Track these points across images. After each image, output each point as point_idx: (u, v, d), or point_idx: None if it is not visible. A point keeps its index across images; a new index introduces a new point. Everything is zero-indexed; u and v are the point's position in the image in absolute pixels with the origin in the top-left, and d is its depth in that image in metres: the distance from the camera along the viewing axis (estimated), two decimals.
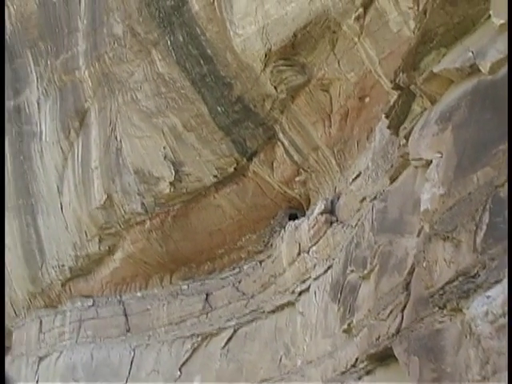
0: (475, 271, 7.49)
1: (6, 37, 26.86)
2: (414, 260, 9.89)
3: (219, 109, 18.21)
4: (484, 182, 7.69)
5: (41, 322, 26.70)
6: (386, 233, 11.78)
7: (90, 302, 25.29)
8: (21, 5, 25.58)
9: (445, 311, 8.37)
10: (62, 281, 25.44)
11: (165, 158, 20.18)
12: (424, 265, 8.95)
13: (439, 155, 9.08)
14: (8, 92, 26.79)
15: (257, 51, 15.76)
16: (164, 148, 20.10)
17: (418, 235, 10.00)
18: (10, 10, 26.46)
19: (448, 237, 8.17)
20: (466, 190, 8.01)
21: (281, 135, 17.94)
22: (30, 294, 26.74)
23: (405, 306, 10.26)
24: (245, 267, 21.75)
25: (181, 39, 17.86)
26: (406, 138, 11.28)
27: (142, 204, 21.50)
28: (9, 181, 26.53)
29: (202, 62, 17.68)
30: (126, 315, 24.57)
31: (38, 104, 25.35)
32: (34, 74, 25.42)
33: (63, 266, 24.97)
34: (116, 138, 21.47)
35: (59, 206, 24.67)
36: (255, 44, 15.68)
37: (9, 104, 26.58)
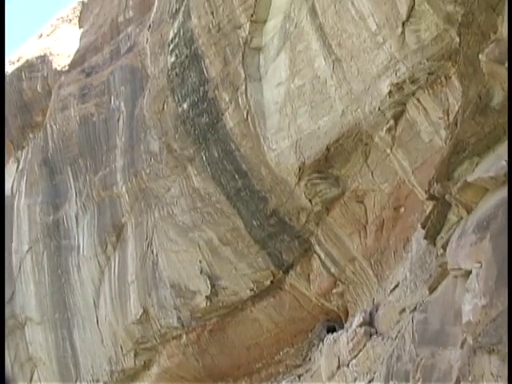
0: None
1: (48, 154, 27.80)
2: (459, 374, 9.54)
3: (255, 222, 18.34)
4: None
5: None
6: (427, 345, 11.42)
7: None
8: (63, 124, 26.65)
9: None
10: None
11: (201, 271, 20.18)
12: (470, 379, 8.64)
13: (478, 265, 8.96)
14: (48, 207, 27.39)
15: (291, 165, 16.02)
16: (200, 262, 20.15)
17: (462, 347, 9.68)
18: (52, 128, 27.53)
19: (493, 349, 7.93)
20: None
21: (317, 247, 17.88)
22: None
23: None
24: (283, 382, 21.13)
25: (216, 155, 18.28)
26: (444, 247, 11.19)
27: (179, 318, 21.32)
28: (46, 294, 26.67)
29: (236, 176, 18.00)
30: None
31: (77, 219, 25.84)
32: (74, 189, 26.08)
33: (98, 381, 24.60)
34: (152, 252, 21.63)
35: (95, 319, 24.61)
36: (289, 158, 15.96)
37: (48, 219, 27.11)
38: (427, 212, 12.66)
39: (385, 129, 13.78)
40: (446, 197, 10.96)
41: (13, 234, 29.83)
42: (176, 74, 19.00)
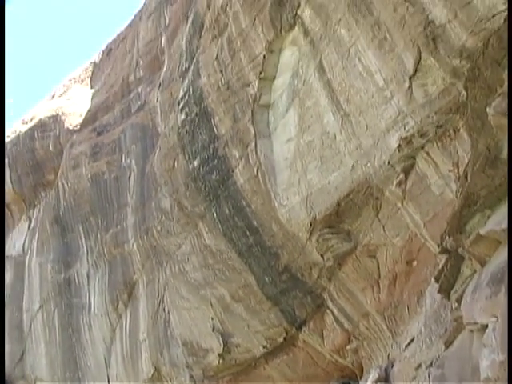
0: None
1: (60, 212, 27.96)
2: None
3: (267, 279, 18.23)
4: None
5: None
6: None
7: None
8: (74, 182, 26.88)
9: None
10: None
11: (213, 329, 20.02)
12: None
13: (495, 319, 8.86)
14: (59, 265, 27.42)
15: (302, 221, 16.02)
16: (212, 319, 20.00)
17: None
18: (64, 187, 27.76)
19: None
20: None
21: (330, 303, 17.71)
22: None
23: None
24: None
25: (227, 211, 18.32)
26: (458, 301, 11.09)
27: (191, 377, 21.07)
28: (57, 353, 26.50)
29: (248, 233, 17.99)
30: None
31: (88, 276, 25.83)
32: (85, 247, 26.15)
33: None
34: (164, 309, 21.52)
35: (106, 378, 24.39)
36: (300, 214, 15.97)
37: (59, 277, 27.11)
38: (440, 265, 12.59)
39: (395, 183, 13.78)
40: (459, 250, 10.93)
41: (24, 292, 29.81)
42: (186, 132, 19.22)
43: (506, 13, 9.81)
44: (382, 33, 12.57)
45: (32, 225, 32.29)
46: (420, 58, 11.85)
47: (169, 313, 21.31)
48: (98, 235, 25.29)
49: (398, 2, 11.88)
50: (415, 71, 12.05)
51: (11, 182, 33.97)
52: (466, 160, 11.90)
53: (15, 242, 33.81)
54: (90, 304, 25.40)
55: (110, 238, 24.32)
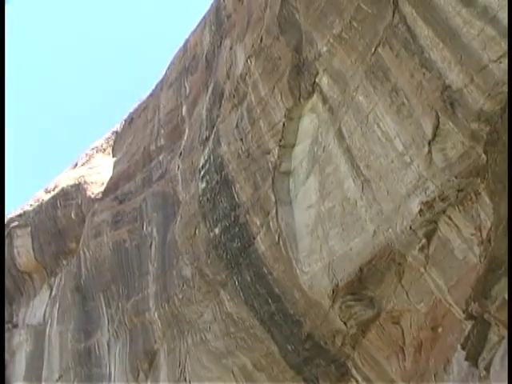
0: None
1: (81, 281, 28.01)
2: None
3: (289, 347, 17.96)
4: None
5: None
6: None
7: None
8: (96, 250, 27.01)
9: None
10: None
11: None
12: None
13: None
14: (80, 334, 27.29)
15: (324, 288, 15.87)
16: None
17: None
18: (85, 255, 27.90)
19: None
20: None
21: (354, 371, 17.37)
22: None
23: None
24: None
25: (248, 279, 18.25)
26: (487, 369, 10.84)
27: None
28: None
29: (270, 300, 17.84)
30: None
31: (109, 346, 25.67)
32: (106, 316, 26.07)
33: None
34: (185, 379, 21.24)
35: None
36: (322, 281, 15.85)
37: (80, 346, 26.95)
38: (466, 332, 12.34)
39: (417, 248, 13.67)
40: (485, 316, 10.73)
41: (43, 362, 29.62)
42: (207, 200, 19.35)
43: None
44: (399, 98, 12.71)
45: (53, 293, 32.35)
46: (438, 123, 11.92)
47: (190, 382, 21.01)
48: (119, 304, 25.23)
49: (415, 68, 12.06)
50: (434, 136, 12.10)
51: (33, 251, 34.23)
52: (489, 223, 11.80)
53: (36, 311, 33.81)
54: (111, 374, 25.15)
55: (131, 306, 24.24)
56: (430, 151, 12.31)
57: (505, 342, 10.31)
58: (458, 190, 12.31)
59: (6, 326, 35.74)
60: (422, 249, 13.63)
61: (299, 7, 15.70)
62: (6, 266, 35.56)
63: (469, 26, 10.73)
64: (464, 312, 12.43)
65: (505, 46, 10.09)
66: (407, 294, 14.85)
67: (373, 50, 13.17)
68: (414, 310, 15.06)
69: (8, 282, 36.37)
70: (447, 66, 11.35)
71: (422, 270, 14.02)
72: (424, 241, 13.54)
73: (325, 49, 14.82)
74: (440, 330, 14.82)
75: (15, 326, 36.41)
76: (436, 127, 12.00)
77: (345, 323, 16.33)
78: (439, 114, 11.76)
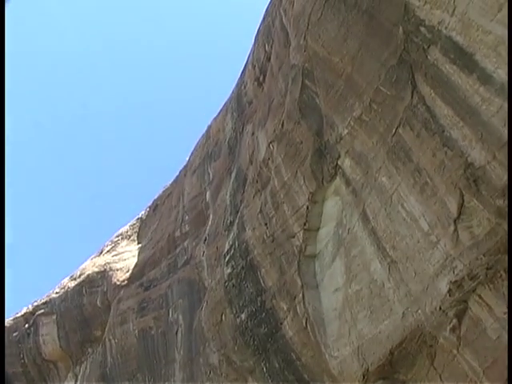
0: None
1: (107, 369, 27.73)
2: None
3: None
4: None
5: None
6: None
7: None
8: (121, 338, 26.83)
9: None
10: None
11: None
12: None
13: None
14: None
15: (354, 372, 15.50)
16: None
17: None
18: (111, 343, 27.72)
19: None
20: None
21: None
22: None
23: None
24: None
25: (276, 365, 17.90)
26: None
27: None
28: None
29: None
30: None
31: None
32: None
33: None
34: None
35: None
36: (352, 365, 15.49)
37: None
38: None
39: (448, 328, 13.36)
40: None
41: None
42: (233, 285, 19.26)
43: None
44: (422, 178, 12.72)
45: (78, 382, 32.03)
46: (463, 201, 11.87)
47: None
48: None
49: (437, 147, 12.12)
50: (459, 214, 12.03)
51: (58, 339, 34.14)
52: None
53: None
54: None
55: None
56: (456, 230, 12.21)
57: None
58: (487, 268, 12.12)
59: None
60: (453, 329, 13.33)
61: (319, 91, 16.00)
62: (31, 355, 35.39)
63: (488, 103, 10.84)
64: None
65: None
66: (441, 377, 14.42)
67: (393, 131, 13.32)
68: None
69: (33, 371, 36.12)
70: (468, 143, 11.41)
71: (455, 351, 13.66)
72: (455, 321, 13.26)
73: (346, 131, 15.01)
74: None
75: None
76: (461, 205, 11.94)
77: None
78: (463, 191, 11.73)
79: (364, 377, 15.31)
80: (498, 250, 11.72)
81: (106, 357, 28.19)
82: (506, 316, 12.10)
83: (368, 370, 15.11)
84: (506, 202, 10.88)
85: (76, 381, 32.68)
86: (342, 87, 14.97)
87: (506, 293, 12.04)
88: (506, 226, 11.23)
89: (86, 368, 31.72)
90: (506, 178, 10.74)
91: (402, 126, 13.07)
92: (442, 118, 11.98)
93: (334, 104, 15.36)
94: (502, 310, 12.18)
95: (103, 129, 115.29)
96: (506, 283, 12.05)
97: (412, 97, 12.64)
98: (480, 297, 12.71)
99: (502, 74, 10.52)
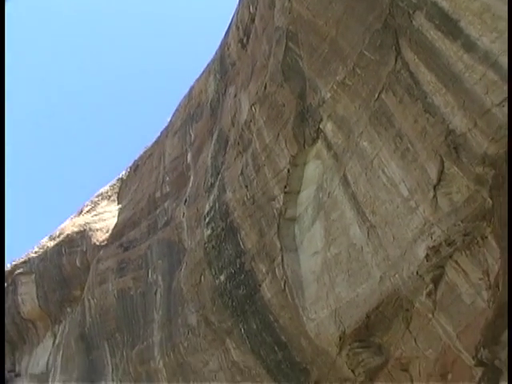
0: None
1: (85, 329, 27.84)
2: None
3: None
4: None
5: None
6: None
7: None
8: (100, 298, 26.91)
9: None
10: None
11: None
12: None
13: None
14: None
15: (331, 335, 15.68)
16: None
17: None
18: (90, 303, 27.79)
19: None
20: None
21: None
22: None
23: None
24: None
25: (254, 327, 18.06)
26: None
27: None
28: None
29: (276, 348, 17.63)
30: None
31: None
32: (110, 365, 25.83)
33: None
34: None
35: None
36: (329, 328, 15.66)
37: None
38: (477, 378, 12.12)
39: (425, 293, 13.52)
40: (496, 362, 10.52)
41: None
42: (212, 247, 19.30)
43: None
44: (404, 144, 12.74)
45: (57, 341, 32.18)
46: (443, 167, 11.92)
47: None
48: (124, 352, 25.02)
49: (419, 113, 12.12)
50: (439, 180, 12.09)
51: (37, 299, 34.16)
52: (496, 268, 11.69)
53: (39, 360, 33.56)
54: None
55: (135, 355, 24.02)
56: (435, 196, 12.28)
57: None
58: (465, 235, 12.23)
59: (9, 374, 35.42)
60: (429, 294, 13.49)
61: (303, 54, 15.88)
62: (10, 314, 35.41)
63: (471, 70, 10.83)
64: (474, 358, 12.23)
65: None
66: (415, 340, 14.65)
67: (376, 95, 13.28)
68: (422, 357, 14.83)
69: (11, 331, 36.19)
70: (450, 110, 11.41)
71: (430, 315, 13.85)
72: (431, 286, 13.41)
73: (328, 95, 14.96)
74: (449, 376, 14.57)
75: (18, 375, 36.08)
76: (441, 172, 11.99)
77: (352, 371, 16.10)
78: (444, 158, 11.78)
79: (340, 339, 15.50)
80: (476, 217, 11.82)
81: (84, 316, 28.27)
82: (481, 282, 12.27)
83: (344, 332, 15.29)
84: (486, 169, 10.94)
85: (55, 340, 32.80)
86: (326, 51, 14.86)
87: (482, 259, 12.18)
88: (484, 194, 11.32)
89: (64, 327, 31.83)
90: (486, 145, 10.79)
91: (385, 91, 13.03)
92: (425, 84, 11.95)
93: (318, 67, 15.27)
94: (477, 275, 12.34)
95: (85, 87, 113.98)
96: (482, 249, 12.18)
97: (396, 62, 12.59)
98: (456, 262, 12.85)
99: (485, 42, 10.48)
